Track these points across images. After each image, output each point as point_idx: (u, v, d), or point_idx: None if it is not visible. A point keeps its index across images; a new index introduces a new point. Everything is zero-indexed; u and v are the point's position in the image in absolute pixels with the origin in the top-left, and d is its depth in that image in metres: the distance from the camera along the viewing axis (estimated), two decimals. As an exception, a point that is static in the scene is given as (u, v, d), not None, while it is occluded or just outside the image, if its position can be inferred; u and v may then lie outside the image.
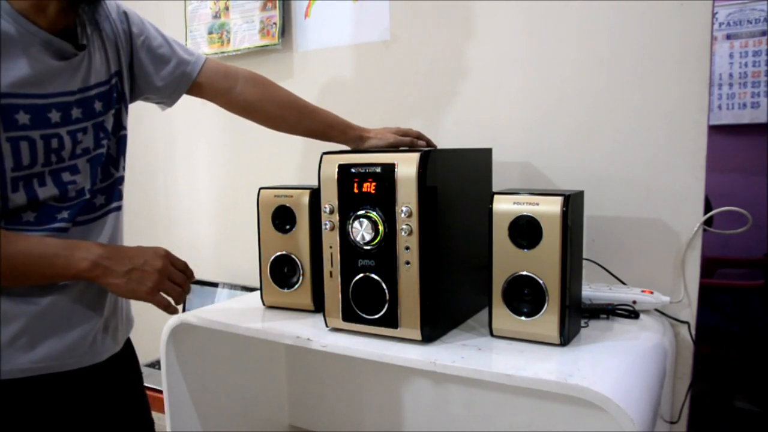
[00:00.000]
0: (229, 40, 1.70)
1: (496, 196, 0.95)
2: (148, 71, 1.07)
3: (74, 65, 0.92)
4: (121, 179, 1.05)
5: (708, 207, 1.17)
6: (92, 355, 0.98)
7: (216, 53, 1.73)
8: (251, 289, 1.63)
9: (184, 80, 1.11)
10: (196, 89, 1.14)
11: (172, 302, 0.97)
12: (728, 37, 2.59)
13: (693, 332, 1.17)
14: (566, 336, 0.93)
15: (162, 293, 0.94)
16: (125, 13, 1.04)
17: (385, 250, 0.96)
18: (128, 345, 1.13)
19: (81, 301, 0.96)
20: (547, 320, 0.92)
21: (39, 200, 0.89)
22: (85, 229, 0.96)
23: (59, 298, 0.92)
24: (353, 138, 1.22)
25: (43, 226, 0.90)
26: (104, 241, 0.99)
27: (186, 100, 1.93)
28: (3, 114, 0.84)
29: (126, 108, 1.06)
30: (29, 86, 0.86)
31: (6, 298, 0.88)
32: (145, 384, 1.68)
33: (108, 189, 1.00)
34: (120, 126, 1.04)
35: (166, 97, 1.13)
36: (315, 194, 1.13)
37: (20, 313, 0.89)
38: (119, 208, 1.04)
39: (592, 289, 1.13)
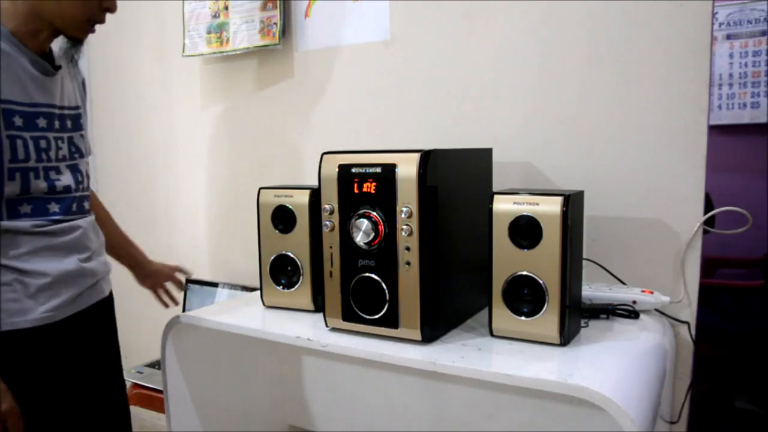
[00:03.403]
0: (228, 40, 1.70)
1: (496, 196, 0.95)
2: None
3: (54, 82, 1.09)
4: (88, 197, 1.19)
5: (710, 206, 1.17)
6: (96, 293, 1.16)
7: (215, 53, 1.73)
8: (251, 289, 1.63)
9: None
10: None
11: None
12: (728, 37, 2.59)
13: (693, 332, 1.17)
14: (566, 336, 0.93)
15: None
16: (84, 79, 1.25)
17: (385, 250, 0.96)
18: (111, 293, 1.26)
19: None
20: (547, 320, 0.92)
21: (31, 191, 1.03)
22: (82, 232, 1.12)
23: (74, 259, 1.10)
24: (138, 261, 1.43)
25: (39, 217, 1.04)
26: (99, 241, 1.19)
27: (186, 101, 1.94)
28: (4, 117, 0.99)
29: (87, 138, 1.21)
30: (22, 96, 1.03)
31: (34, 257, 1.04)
32: (145, 384, 1.69)
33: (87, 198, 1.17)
34: (88, 150, 1.19)
35: None
36: (315, 194, 1.13)
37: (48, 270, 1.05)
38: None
39: (592, 289, 1.13)
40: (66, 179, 1.09)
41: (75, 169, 1.12)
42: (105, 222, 1.33)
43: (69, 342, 1.10)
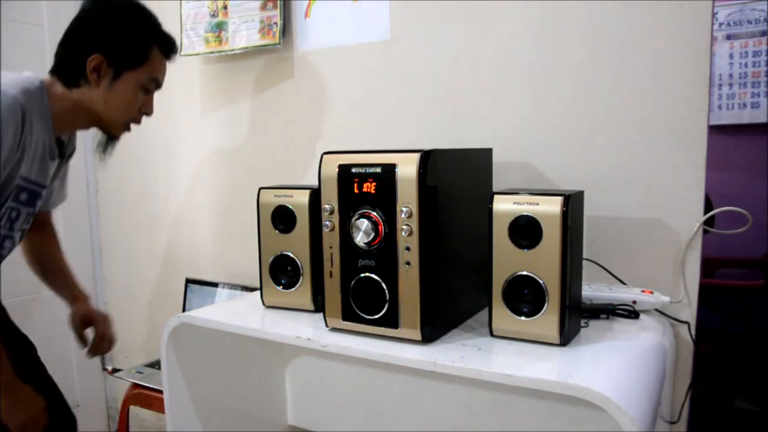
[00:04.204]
0: (227, 40, 1.70)
1: (496, 196, 0.95)
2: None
3: (53, 165, 1.15)
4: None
5: (709, 207, 1.17)
6: None
7: (212, 52, 1.73)
8: (251, 289, 1.63)
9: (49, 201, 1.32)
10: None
11: None
12: (728, 37, 2.59)
13: (693, 332, 1.17)
14: (566, 336, 0.93)
15: None
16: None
17: (385, 250, 0.96)
18: None
19: None
20: (547, 320, 0.92)
21: None
22: None
23: None
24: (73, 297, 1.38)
25: None
26: None
27: (186, 101, 1.94)
28: (2, 188, 1.04)
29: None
30: (26, 172, 1.08)
31: None
32: (145, 384, 1.69)
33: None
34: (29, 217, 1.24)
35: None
36: (315, 194, 1.13)
37: None
38: None
39: (592, 289, 1.13)
40: (9, 245, 1.16)
41: (23, 234, 1.18)
42: (48, 253, 1.35)
43: None
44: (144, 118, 1.23)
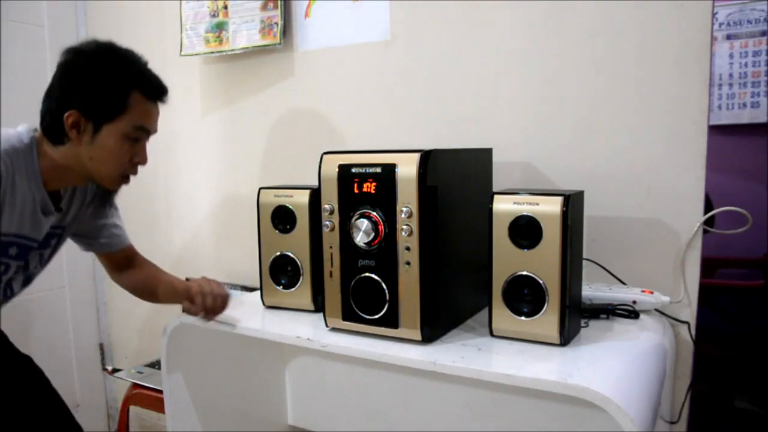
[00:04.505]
0: (227, 40, 1.70)
1: (496, 196, 0.95)
2: (90, 228, 1.26)
3: (49, 220, 1.11)
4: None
5: (709, 207, 1.16)
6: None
7: (213, 52, 1.73)
8: (251, 289, 1.63)
9: (92, 246, 1.29)
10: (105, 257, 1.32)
11: None
12: (728, 37, 2.59)
13: (693, 332, 1.17)
14: (566, 336, 0.93)
15: None
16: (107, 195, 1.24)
17: (385, 250, 0.96)
18: None
19: None
20: (547, 320, 0.92)
21: None
22: None
23: None
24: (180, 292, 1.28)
25: None
26: None
27: (186, 101, 1.94)
28: None
29: (53, 254, 1.23)
30: (15, 227, 1.06)
31: None
32: (145, 384, 1.69)
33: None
34: (51, 258, 1.23)
35: (82, 246, 1.31)
36: (315, 194, 1.13)
37: None
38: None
39: (592, 289, 1.13)
40: (17, 288, 1.16)
41: (24, 283, 1.17)
42: (151, 278, 1.33)
43: None
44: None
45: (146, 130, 1.10)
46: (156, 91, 1.11)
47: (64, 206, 1.15)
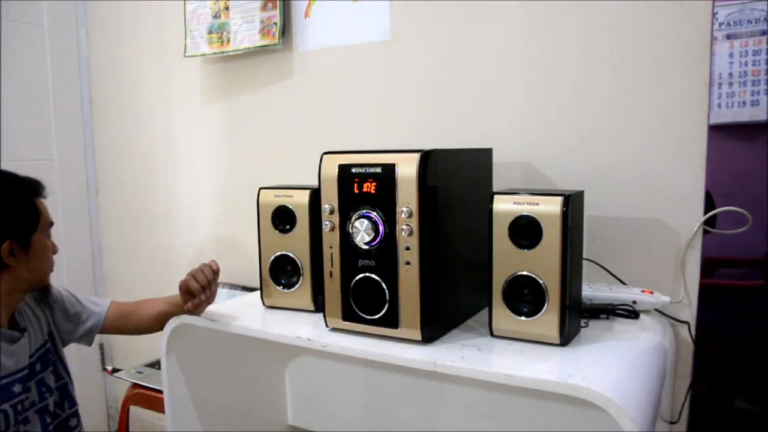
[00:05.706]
0: (229, 40, 1.70)
1: (496, 196, 0.95)
2: (67, 329, 1.27)
3: (21, 345, 1.14)
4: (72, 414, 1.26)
5: (712, 206, 1.16)
6: None
7: (215, 53, 1.73)
8: (251, 289, 1.63)
9: (95, 329, 1.30)
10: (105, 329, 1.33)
11: None
12: (728, 36, 2.58)
13: (693, 332, 1.17)
14: (566, 336, 0.93)
15: None
16: (59, 298, 1.26)
17: (385, 250, 0.96)
18: None
19: None
20: (547, 320, 0.92)
21: None
22: None
23: None
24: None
25: None
26: None
27: (186, 101, 1.94)
28: None
29: (63, 362, 1.26)
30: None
31: None
32: (145, 384, 1.69)
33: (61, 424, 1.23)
34: (59, 378, 1.24)
35: (86, 341, 1.32)
36: (315, 194, 1.13)
37: None
38: None
39: (592, 289, 1.13)
40: (32, 427, 1.16)
41: (44, 411, 1.18)
42: (149, 301, 1.32)
43: None
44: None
45: (52, 222, 1.19)
46: (43, 189, 1.19)
47: (27, 325, 1.18)
